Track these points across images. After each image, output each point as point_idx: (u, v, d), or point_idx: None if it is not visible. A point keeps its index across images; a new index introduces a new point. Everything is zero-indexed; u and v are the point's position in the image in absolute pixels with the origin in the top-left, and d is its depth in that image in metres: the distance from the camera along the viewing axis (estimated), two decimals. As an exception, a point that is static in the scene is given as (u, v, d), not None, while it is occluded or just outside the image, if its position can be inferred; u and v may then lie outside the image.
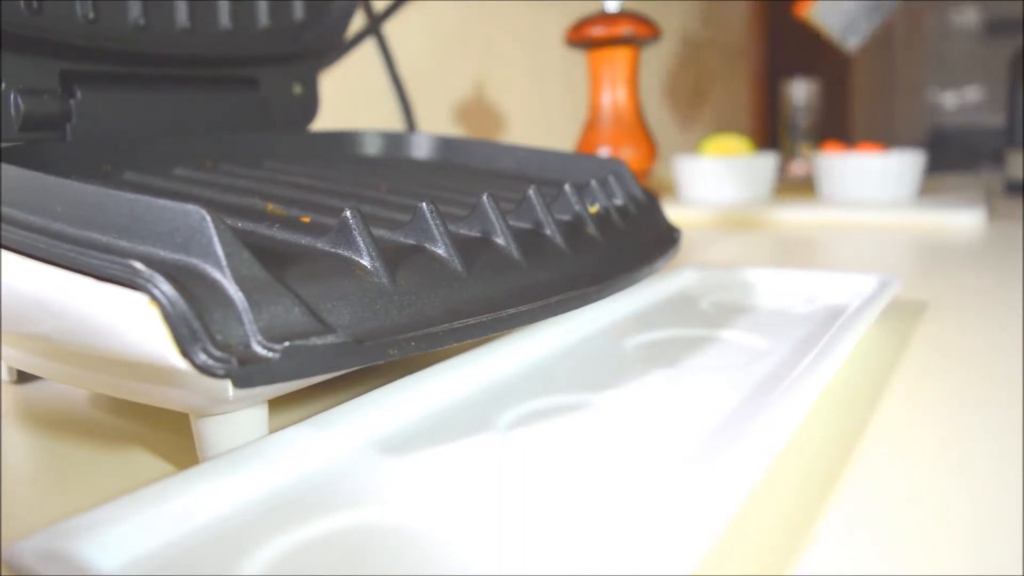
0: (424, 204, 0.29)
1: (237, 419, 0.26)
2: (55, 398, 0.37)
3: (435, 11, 0.89)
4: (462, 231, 0.32)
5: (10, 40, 0.39)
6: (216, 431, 0.26)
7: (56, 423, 0.34)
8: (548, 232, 0.34)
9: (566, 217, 0.36)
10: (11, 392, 0.38)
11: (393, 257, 0.28)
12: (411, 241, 0.29)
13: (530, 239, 0.33)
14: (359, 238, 0.27)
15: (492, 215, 0.32)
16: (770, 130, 1.87)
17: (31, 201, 0.29)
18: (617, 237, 0.38)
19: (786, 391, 0.28)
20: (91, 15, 0.42)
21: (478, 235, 0.32)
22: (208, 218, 0.24)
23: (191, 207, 0.24)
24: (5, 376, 0.39)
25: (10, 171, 0.31)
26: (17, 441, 0.32)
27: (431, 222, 0.29)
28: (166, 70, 0.46)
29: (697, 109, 1.66)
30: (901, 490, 0.25)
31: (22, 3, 0.39)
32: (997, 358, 0.37)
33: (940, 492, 0.25)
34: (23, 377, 0.39)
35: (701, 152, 1.07)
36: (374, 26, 0.56)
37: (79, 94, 0.42)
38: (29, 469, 0.30)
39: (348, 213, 0.27)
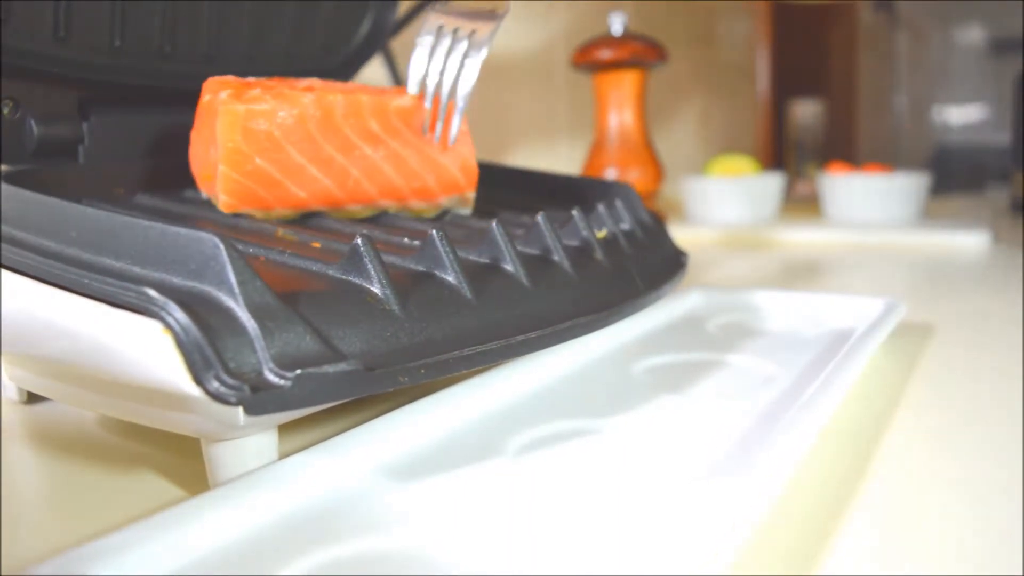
0: (434, 231, 0.29)
1: (247, 444, 0.27)
2: (64, 419, 0.37)
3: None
4: (472, 257, 0.32)
5: (33, 71, 0.40)
6: (227, 456, 0.26)
7: (65, 444, 0.34)
8: (556, 258, 0.34)
9: (574, 243, 0.37)
10: (20, 412, 0.38)
11: (403, 284, 0.28)
12: (421, 268, 0.30)
13: (539, 265, 0.33)
14: (370, 265, 0.27)
15: (501, 242, 0.32)
16: (776, 150, 1.88)
17: (46, 226, 0.30)
18: (624, 262, 0.38)
19: (794, 419, 0.28)
20: (118, 42, 0.43)
21: (487, 261, 0.32)
22: (222, 246, 0.24)
23: (205, 235, 0.24)
24: (15, 396, 0.39)
25: (26, 196, 0.31)
26: (26, 462, 0.33)
27: (441, 249, 0.29)
28: (181, 93, 0.47)
29: (703, 129, 1.66)
30: (911, 515, 0.25)
31: (50, 31, 0.40)
32: (1004, 383, 0.37)
33: (950, 517, 0.25)
34: (32, 398, 0.39)
35: (708, 172, 1.07)
36: (382, 44, 0.57)
37: (93, 118, 0.43)
38: (38, 490, 0.30)
39: (359, 240, 0.27)
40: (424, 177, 0.41)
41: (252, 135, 0.36)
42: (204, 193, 0.40)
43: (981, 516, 0.25)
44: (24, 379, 0.36)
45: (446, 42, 0.40)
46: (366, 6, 0.56)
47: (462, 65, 0.40)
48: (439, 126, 0.40)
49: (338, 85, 0.40)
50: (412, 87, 0.41)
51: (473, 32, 0.40)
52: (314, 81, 0.40)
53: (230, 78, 0.38)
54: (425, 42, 0.40)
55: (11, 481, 0.31)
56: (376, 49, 0.57)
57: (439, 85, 0.40)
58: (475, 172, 0.43)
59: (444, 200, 0.43)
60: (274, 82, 0.39)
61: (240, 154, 0.36)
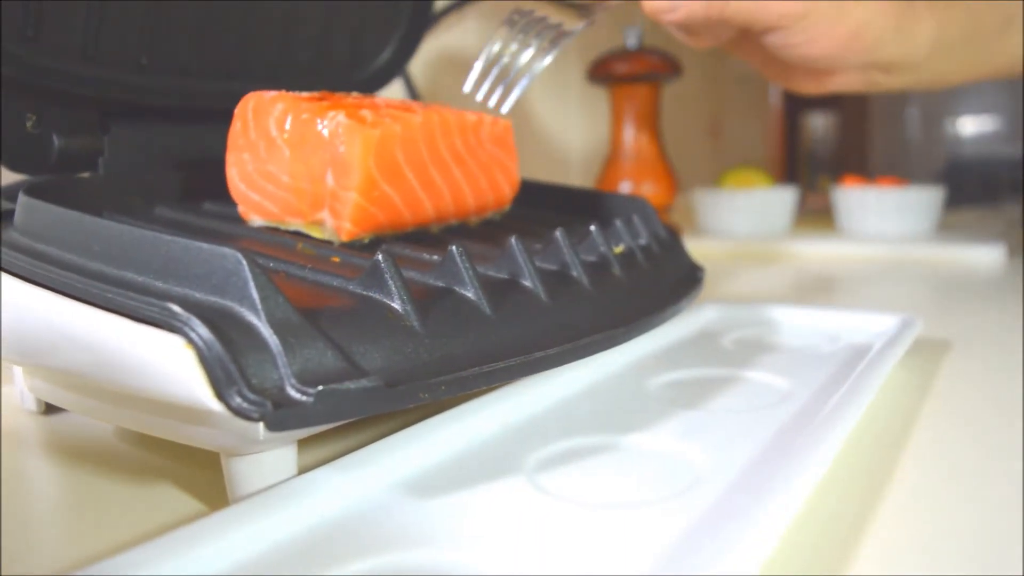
0: (454, 247, 0.30)
1: (267, 458, 0.27)
2: (81, 430, 0.37)
3: (456, 45, 0.90)
4: (491, 273, 0.32)
5: (59, 89, 0.40)
6: (246, 470, 0.27)
7: (83, 455, 0.34)
8: (575, 274, 0.34)
9: (592, 258, 0.37)
10: (38, 422, 0.38)
11: (423, 300, 0.28)
12: (441, 283, 0.30)
13: (557, 281, 0.33)
14: (390, 281, 0.27)
15: (520, 258, 0.32)
16: (789, 162, 1.88)
17: (69, 239, 0.30)
18: (642, 278, 0.38)
19: (811, 438, 0.28)
20: (145, 60, 0.43)
21: (506, 277, 0.32)
22: (244, 262, 0.24)
23: (227, 250, 0.24)
24: (33, 406, 0.39)
25: (48, 209, 0.31)
26: (43, 472, 0.33)
27: (461, 265, 0.29)
28: (202, 106, 0.47)
29: (716, 140, 1.66)
30: (930, 533, 0.25)
31: (78, 50, 0.40)
32: (1021, 399, 0.37)
33: (969, 534, 0.24)
34: (50, 408, 0.39)
35: (721, 185, 1.07)
36: (407, 63, 0.57)
37: (113, 130, 0.43)
38: (55, 501, 0.30)
39: (380, 256, 0.27)
40: (487, 195, 0.42)
41: (383, 160, 0.35)
42: (256, 217, 0.38)
43: (1001, 532, 0.25)
44: (43, 390, 0.36)
45: (531, 27, 0.44)
46: (394, 25, 0.56)
47: (538, 47, 0.43)
48: (496, 94, 0.43)
49: (396, 102, 0.40)
50: (482, 58, 0.44)
51: (558, 25, 0.43)
52: (364, 97, 0.40)
53: (286, 93, 0.37)
54: (512, 20, 0.44)
55: (28, 491, 0.31)
56: (401, 68, 0.57)
57: (514, 55, 0.43)
58: (517, 187, 0.45)
59: (490, 213, 0.44)
60: (321, 95, 0.38)
61: (372, 180, 0.35)
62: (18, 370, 0.39)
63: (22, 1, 0.37)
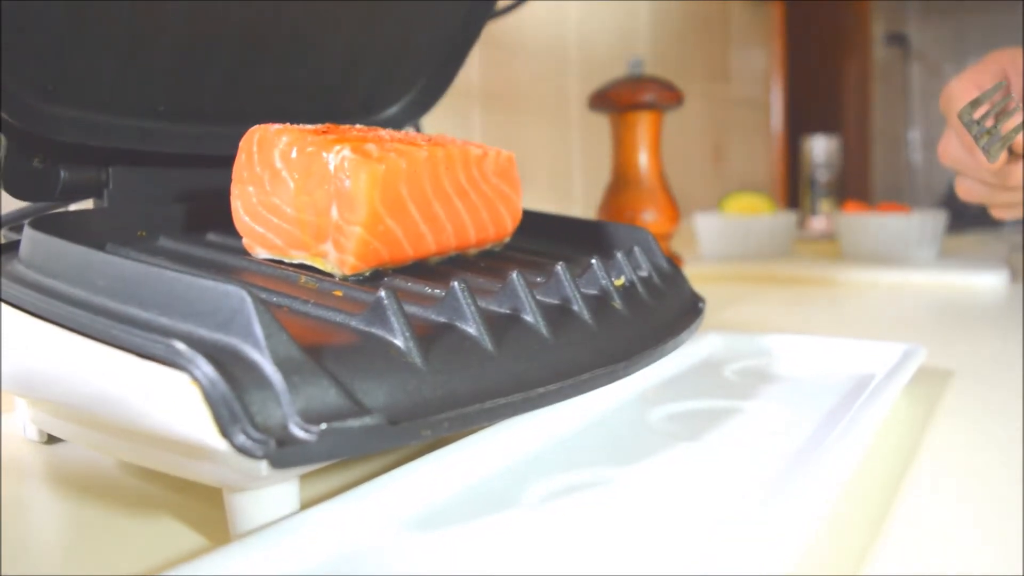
0: (456, 283, 0.30)
1: (269, 494, 0.27)
2: (82, 460, 0.37)
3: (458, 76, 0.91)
4: (492, 308, 0.32)
5: (74, 140, 0.41)
6: (248, 505, 0.27)
7: (83, 486, 0.34)
8: (576, 308, 0.34)
9: (593, 291, 0.37)
10: (40, 452, 0.38)
11: (425, 336, 0.28)
12: (443, 319, 0.30)
13: (558, 315, 0.33)
14: (392, 318, 0.27)
15: (521, 293, 0.32)
16: (790, 186, 1.88)
17: (74, 274, 0.30)
18: (643, 310, 0.38)
19: (813, 472, 0.28)
20: (162, 107, 0.43)
21: (508, 312, 0.32)
22: (248, 300, 0.24)
23: (232, 288, 0.25)
24: (36, 437, 0.39)
25: (53, 243, 0.32)
26: (45, 503, 0.33)
27: (463, 301, 0.30)
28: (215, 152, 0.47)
29: (718, 164, 1.67)
30: (932, 567, 0.25)
31: (96, 99, 0.40)
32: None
33: (971, 568, 0.24)
34: (52, 438, 0.39)
35: (723, 210, 1.08)
36: (413, 118, 0.58)
37: (118, 162, 0.43)
38: (57, 533, 0.30)
39: (383, 293, 0.27)
40: (489, 228, 0.43)
41: (388, 195, 0.35)
42: (260, 249, 0.38)
43: (1004, 563, 0.25)
44: (46, 421, 0.36)
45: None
46: (412, 81, 0.57)
47: None
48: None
49: (401, 134, 0.40)
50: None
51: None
52: (368, 129, 0.40)
53: (291, 126, 0.37)
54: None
55: (28, 521, 0.31)
56: (412, 120, 0.58)
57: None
58: (520, 219, 0.45)
59: (491, 244, 0.44)
60: (325, 127, 0.38)
61: (376, 215, 0.35)
62: (21, 400, 0.39)
63: (47, 56, 0.38)
